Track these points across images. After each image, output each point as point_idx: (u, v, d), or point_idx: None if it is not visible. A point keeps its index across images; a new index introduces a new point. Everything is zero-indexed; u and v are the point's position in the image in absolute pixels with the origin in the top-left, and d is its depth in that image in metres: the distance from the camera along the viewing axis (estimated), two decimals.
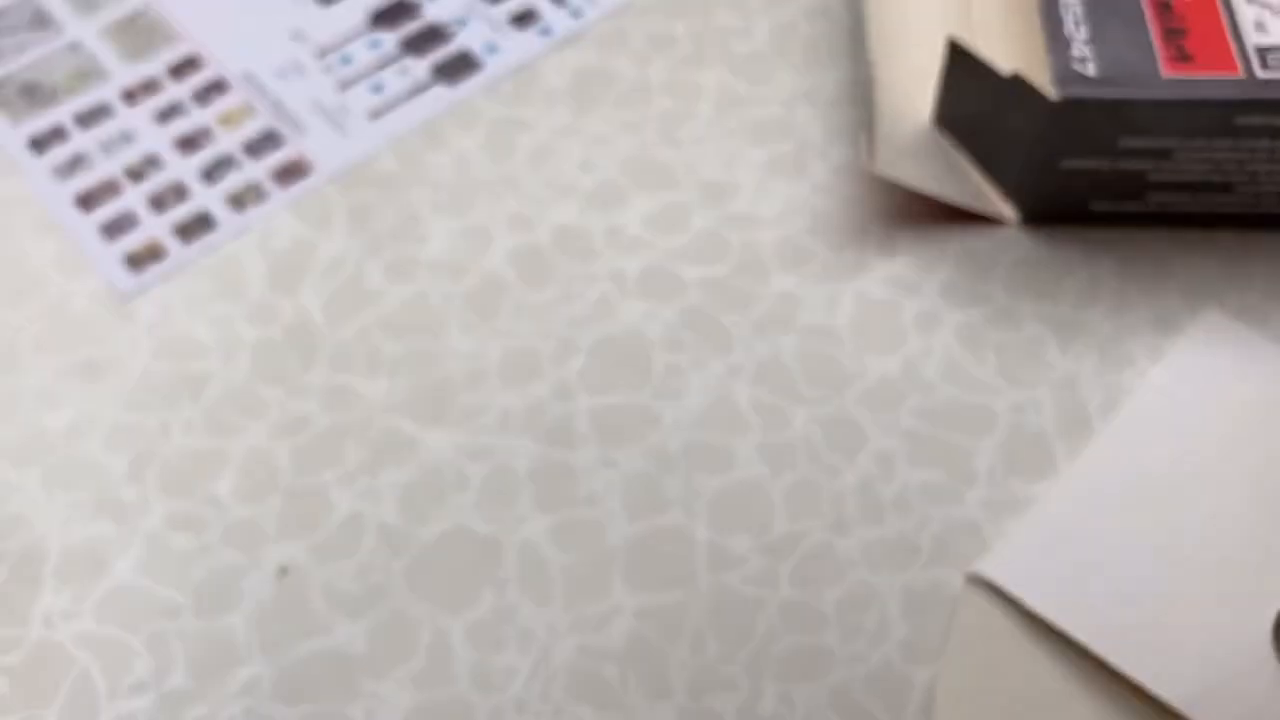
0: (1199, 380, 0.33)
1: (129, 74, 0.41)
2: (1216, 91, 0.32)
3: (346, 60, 0.42)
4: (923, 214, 0.37)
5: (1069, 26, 0.34)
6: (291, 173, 0.39)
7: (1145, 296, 0.35)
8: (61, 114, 0.40)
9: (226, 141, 0.39)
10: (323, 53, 0.42)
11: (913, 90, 0.37)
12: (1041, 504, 0.31)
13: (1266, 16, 0.34)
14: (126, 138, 0.40)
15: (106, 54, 0.42)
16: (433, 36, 0.42)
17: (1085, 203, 0.36)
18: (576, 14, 0.42)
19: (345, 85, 0.41)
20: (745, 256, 0.36)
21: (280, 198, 0.38)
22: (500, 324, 0.35)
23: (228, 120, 0.40)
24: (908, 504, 0.31)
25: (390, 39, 0.42)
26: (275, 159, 0.39)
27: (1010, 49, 0.35)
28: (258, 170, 0.39)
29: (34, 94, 0.41)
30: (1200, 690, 0.28)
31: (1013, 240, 0.36)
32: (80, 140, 0.40)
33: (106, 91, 0.41)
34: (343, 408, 0.34)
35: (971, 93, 0.35)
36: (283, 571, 0.31)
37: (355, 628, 0.30)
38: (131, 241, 0.37)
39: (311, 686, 0.29)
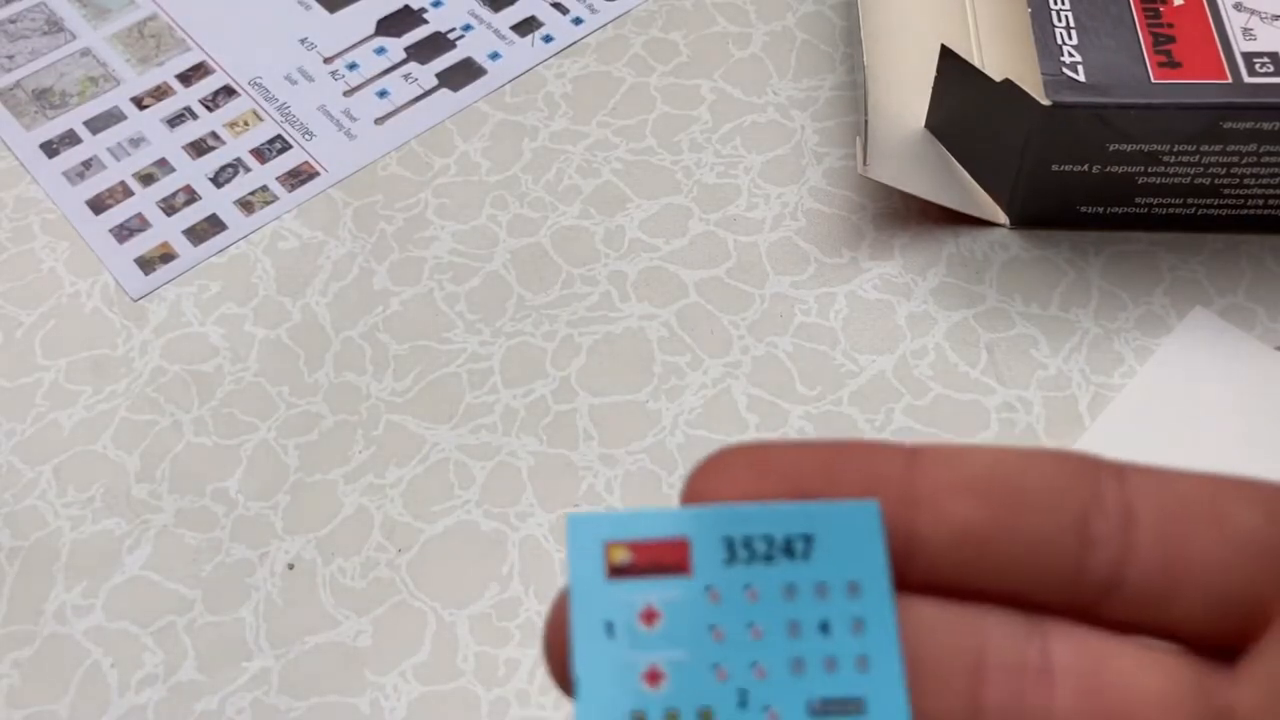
0: (1186, 378, 0.33)
1: (139, 80, 0.42)
2: (1204, 97, 0.33)
3: (352, 66, 0.42)
4: (915, 217, 0.37)
5: (1059, 33, 0.35)
6: (298, 176, 0.39)
7: (1134, 297, 0.35)
8: (73, 119, 0.41)
9: (234, 146, 0.40)
10: (329, 59, 0.42)
11: (906, 96, 0.38)
12: None
13: (1254, 23, 0.35)
14: (136, 142, 0.40)
15: (117, 61, 0.42)
16: (437, 44, 0.43)
17: (1075, 206, 0.36)
18: (578, 21, 0.43)
19: (351, 91, 0.41)
20: (742, 259, 0.37)
21: (287, 201, 0.39)
22: (503, 324, 0.36)
23: (235, 125, 0.41)
24: None
25: (395, 46, 0.43)
26: (282, 163, 0.40)
27: (1002, 55, 0.36)
28: (265, 174, 0.39)
29: (46, 99, 0.41)
30: None
31: (1004, 242, 0.37)
32: (92, 144, 0.40)
33: (117, 97, 0.41)
34: (349, 407, 0.34)
35: (963, 98, 0.36)
36: (290, 567, 0.32)
37: (361, 621, 0.31)
38: (142, 243, 0.38)
39: (319, 679, 0.30)
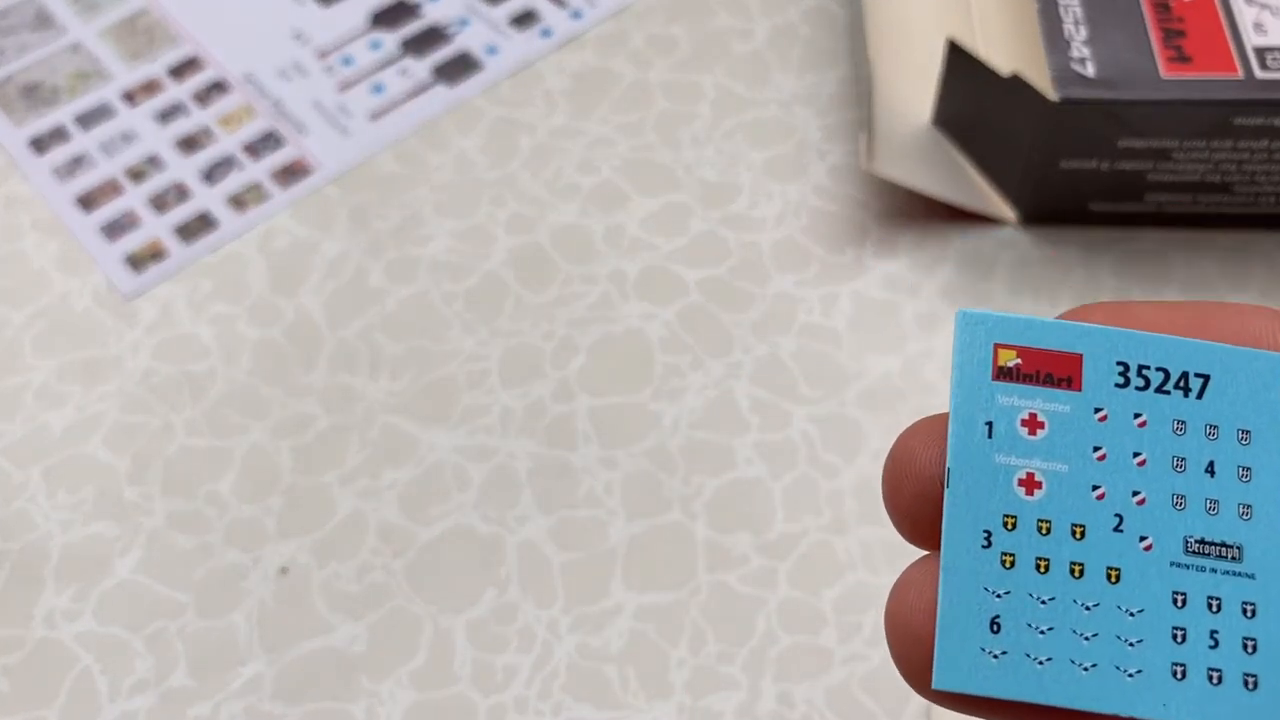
0: None
1: (130, 75, 0.41)
2: (1215, 92, 0.32)
3: (347, 61, 0.42)
4: (922, 214, 0.37)
5: (1068, 27, 0.34)
6: (292, 173, 0.39)
7: (1145, 296, 0.35)
8: (63, 114, 0.40)
9: (227, 142, 0.39)
10: (323, 53, 0.42)
11: (912, 90, 0.37)
12: None
13: (1265, 17, 0.34)
14: (127, 138, 0.40)
15: (108, 55, 0.42)
16: (433, 37, 0.42)
17: (1084, 203, 0.36)
18: (576, 15, 0.42)
19: (346, 86, 0.41)
20: (744, 257, 0.36)
21: (281, 198, 0.38)
22: (501, 324, 0.35)
23: (228, 121, 0.40)
24: None
25: (391, 40, 0.42)
26: (276, 159, 0.39)
27: (1009, 49, 0.35)
28: (258, 171, 0.39)
29: (35, 95, 0.41)
30: None
31: (1012, 240, 0.36)
32: (81, 141, 0.40)
33: (107, 92, 0.41)
34: (344, 408, 0.34)
35: (971, 93, 0.35)
36: (284, 571, 0.31)
37: (356, 627, 0.30)
38: (132, 241, 0.37)
39: (313, 685, 0.29)
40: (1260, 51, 0.33)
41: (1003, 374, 0.15)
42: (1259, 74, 0.33)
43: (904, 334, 0.34)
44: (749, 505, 0.32)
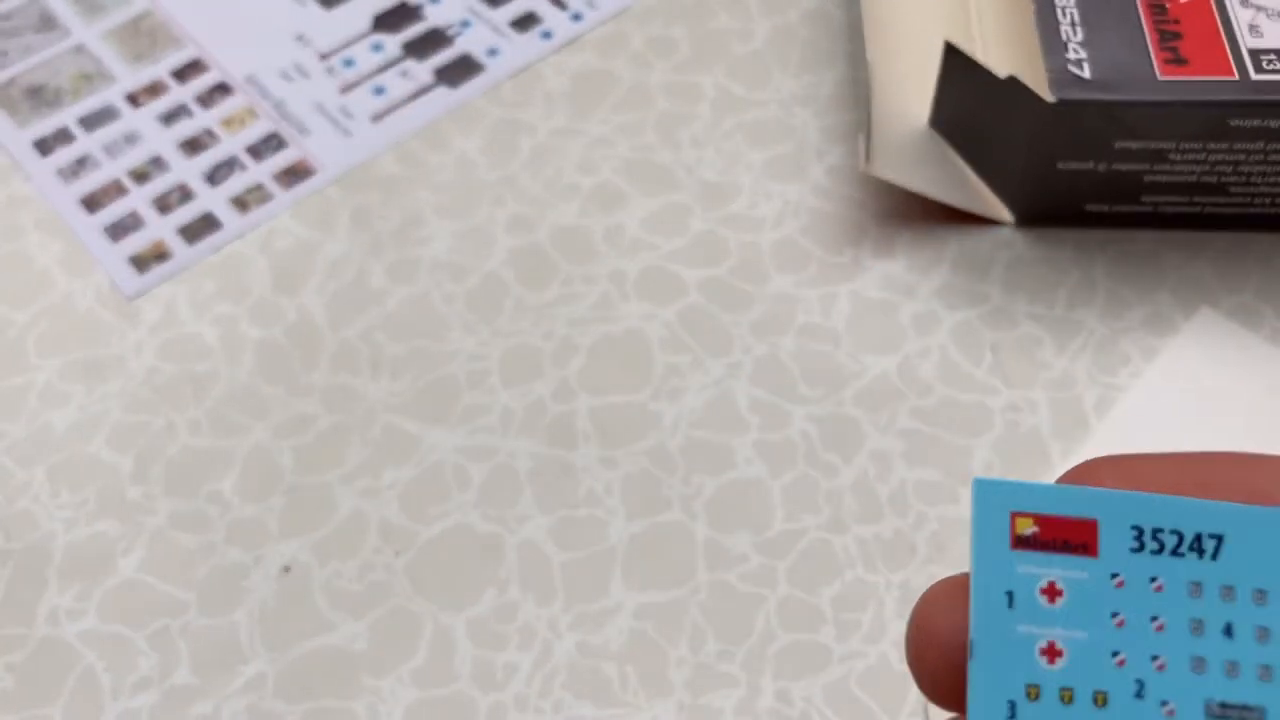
0: (1193, 380, 0.33)
1: (133, 77, 0.41)
2: (1211, 94, 0.33)
3: (349, 63, 0.42)
4: (919, 215, 0.37)
5: (1065, 29, 0.34)
6: (294, 174, 0.39)
7: (1140, 297, 0.35)
8: (66, 116, 0.40)
9: (230, 143, 0.40)
10: (325, 55, 0.42)
11: (909, 92, 0.37)
12: None
13: (1261, 20, 0.34)
14: (131, 140, 0.40)
15: (111, 57, 0.42)
16: (434, 40, 0.42)
17: (1081, 204, 0.36)
18: (577, 17, 0.43)
19: (348, 88, 0.41)
20: (744, 257, 0.36)
21: (283, 199, 0.38)
22: (501, 324, 0.35)
23: (231, 122, 0.40)
24: (905, 503, 0.32)
25: (392, 42, 0.42)
26: (278, 161, 0.39)
27: (1006, 52, 0.36)
28: (261, 172, 0.39)
29: (39, 96, 0.41)
30: None
31: (1009, 241, 0.36)
32: (85, 142, 0.40)
33: (111, 94, 0.41)
34: (345, 407, 0.34)
35: (968, 95, 0.35)
36: (285, 570, 0.31)
37: (358, 625, 0.30)
38: (136, 242, 0.37)
39: (314, 683, 0.30)
40: (1255, 54, 0.33)
41: (1021, 542, 0.15)
42: (1254, 76, 0.33)
43: (902, 334, 0.35)
44: (748, 504, 0.32)
